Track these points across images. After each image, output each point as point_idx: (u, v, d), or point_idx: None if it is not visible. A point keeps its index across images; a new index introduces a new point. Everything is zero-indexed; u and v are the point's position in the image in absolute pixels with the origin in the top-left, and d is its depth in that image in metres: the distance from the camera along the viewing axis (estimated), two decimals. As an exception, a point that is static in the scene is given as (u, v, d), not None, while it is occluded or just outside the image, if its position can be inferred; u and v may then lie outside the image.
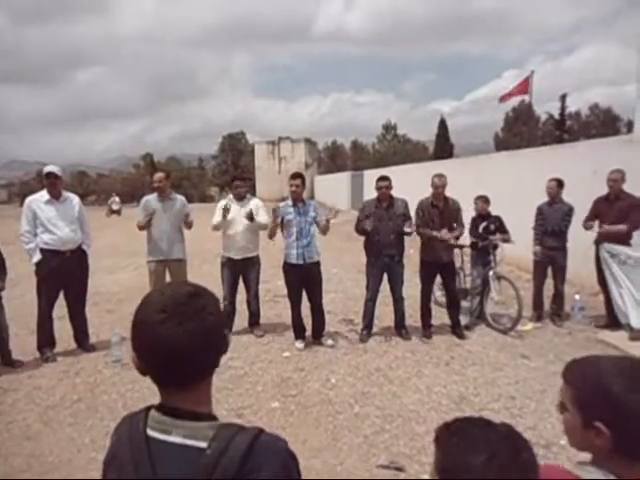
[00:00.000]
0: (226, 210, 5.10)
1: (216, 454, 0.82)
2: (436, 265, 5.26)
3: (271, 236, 5.06)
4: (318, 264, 5.01)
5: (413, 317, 5.79)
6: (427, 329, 5.35)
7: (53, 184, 4.62)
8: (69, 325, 4.97)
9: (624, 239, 5.16)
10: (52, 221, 4.58)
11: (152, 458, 0.85)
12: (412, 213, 5.24)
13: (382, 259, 5.09)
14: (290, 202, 4.96)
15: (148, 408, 0.92)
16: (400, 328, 5.30)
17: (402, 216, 5.06)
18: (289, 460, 0.88)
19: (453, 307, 5.39)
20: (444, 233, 5.03)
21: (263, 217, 5.23)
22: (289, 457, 0.89)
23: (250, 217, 5.10)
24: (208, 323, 0.88)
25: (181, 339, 0.84)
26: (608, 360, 1.01)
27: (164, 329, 0.84)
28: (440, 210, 5.19)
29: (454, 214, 5.22)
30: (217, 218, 5.21)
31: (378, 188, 5.10)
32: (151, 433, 0.88)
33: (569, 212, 5.54)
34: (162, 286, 0.95)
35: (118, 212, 23.68)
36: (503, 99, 14.93)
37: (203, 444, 0.84)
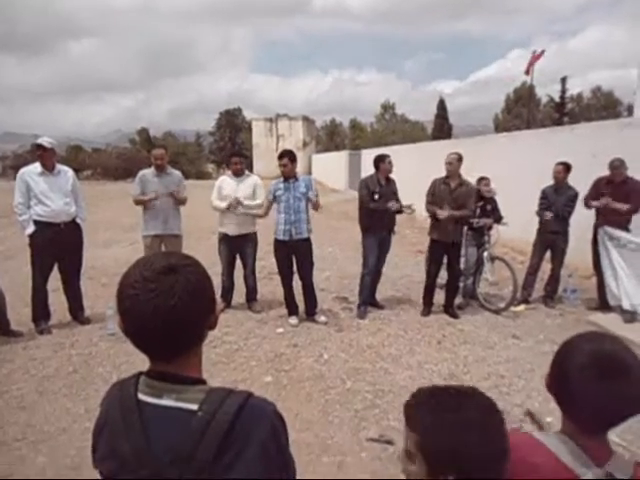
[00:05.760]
0: (231, 203, 5.12)
1: (207, 416, 0.83)
2: (444, 245, 5.22)
3: (264, 215, 5.10)
4: (307, 241, 4.95)
5: (407, 295, 5.84)
6: (427, 307, 5.40)
7: (41, 156, 4.56)
8: (64, 297, 4.98)
9: (624, 224, 5.15)
10: (45, 193, 4.54)
11: (143, 421, 0.86)
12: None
13: (379, 234, 5.23)
14: (282, 178, 4.95)
15: (138, 374, 0.94)
16: (373, 297, 5.60)
17: (395, 194, 5.25)
18: (277, 422, 0.91)
19: (452, 288, 5.42)
20: (441, 212, 5.01)
21: (260, 197, 5.23)
22: (277, 419, 0.92)
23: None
24: (176, 301, 0.84)
25: (146, 316, 0.84)
26: (590, 336, 1.08)
27: (132, 303, 0.85)
28: (450, 189, 5.12)
29: (464, 197, 5.11)
30: (219, 203, 5.22)
31: (388, 163, 5.20)
32: (142, 397, 0.89)
33: (574, 198, 5.41)
34: (145, 257, 0.93)
35: None
36: (528, 71, 15.44)
37: (194, 406, 0.85)
